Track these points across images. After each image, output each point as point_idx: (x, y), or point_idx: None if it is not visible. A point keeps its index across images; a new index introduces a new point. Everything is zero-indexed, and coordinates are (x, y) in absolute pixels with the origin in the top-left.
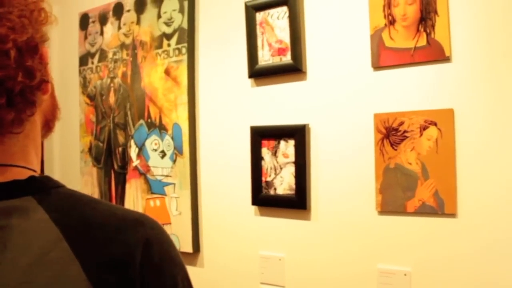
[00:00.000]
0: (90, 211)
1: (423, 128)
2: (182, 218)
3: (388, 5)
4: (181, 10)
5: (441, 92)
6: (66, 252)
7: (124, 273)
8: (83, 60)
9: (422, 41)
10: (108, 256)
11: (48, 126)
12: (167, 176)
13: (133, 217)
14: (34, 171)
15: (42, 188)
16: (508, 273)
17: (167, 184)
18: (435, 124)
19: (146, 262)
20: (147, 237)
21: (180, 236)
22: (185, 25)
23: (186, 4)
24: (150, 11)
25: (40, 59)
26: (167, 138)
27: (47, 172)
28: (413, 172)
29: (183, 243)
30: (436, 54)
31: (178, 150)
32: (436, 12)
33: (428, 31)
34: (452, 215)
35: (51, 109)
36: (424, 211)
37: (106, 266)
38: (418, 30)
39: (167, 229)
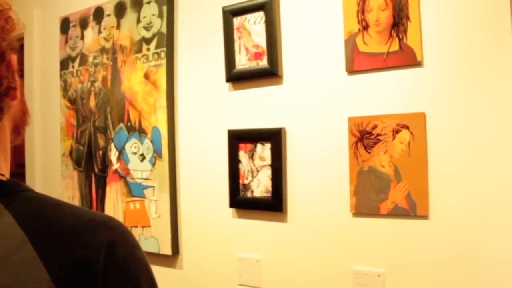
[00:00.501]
0: (56, 214)
1: (396, 132)
2: (161, 221)
3: (362, 10)
4: (160, 15)
5: (413, 96)
6: (30, 254)
7: (87, 274)
8: (64, 64)
9: (395, 46)
10: (72, 257)
11: (17, 131)
12: (146, 179)
13: (99, 219)
14: (2, 175)
15: (9, 192)
16: (478, 273)
17: (147, 187)
18: (407, 128)
19: (110, 262)
20: (112, 238)
21: (159, 238)
22: (164, 29)
23: (165, 9)
24: (130, 16)
25: (7, 66)
26: (147, 141)
27: (28, 176)
28: (386, 175)
29: (163, 246)
30: (408, 59)
31: (157, 153)
32: (408, 18)
33: (400, 36)
34: (424, 217)
35: (20, 115)
36: (397, 213)
37: (70, 267)
38: (390, 35)
39: (147, 231)
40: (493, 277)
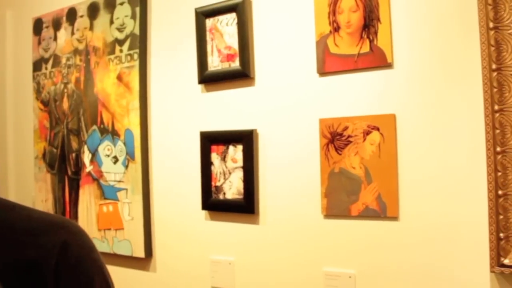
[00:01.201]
0: (7, 215)
1: (366, 133)
2: (134, 223)
3: (333, 12)
4: (133, 16)
5: (384, 97)
6: None
7: (37, 275)
8: (37, 65)
9: (366, 48)
10: (22, 258)
11: None
12: (119, 181)
13: (54, 221)
14: None
15: None
16: (446, 273)
17: (120, 189)
18: (378, 129)
19: (62, 263)
20: (65, 239)
21: (132, 241)
22: (137, 31)
23: (138, 10)
24: (103, 17)
25: None
26: (120, 143)
27: (1, 179)
28: (357, 176)
29: (136, 248)
30: (378, 61)
31: (130, 155)
32: (378, 20)
33: (371, 38)
34: (394, 218)
35: None
36: (367, 214)
37: (20, 268)
38: (361, 37)
39: (120, 234)
40: (462, 276)
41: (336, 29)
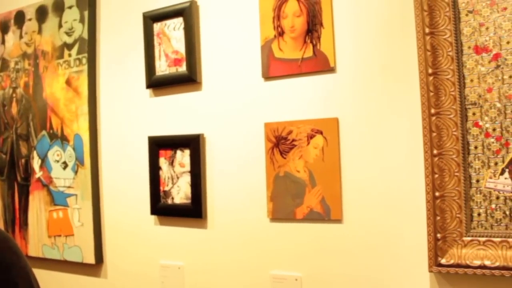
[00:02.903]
0: None
1: (310, 137)
2: (84, 230)
3: (278, 17)
4: (82, 20)
5: (327, 101)
6: None
7: None
8: None
9: (309, 52)
10: None
11: None
12: (69, 187)
13: None
14: None
15: None
16: (388, 273)
17: (70, 195)
18: (321, 133)
19: None
20: None
21: (82, 247)
22: (85, 35)
23: (86, 14)
24: (52, 21)
25: None
26: (69, 149)
27: None
28: (301, 180)
29: (86, 255)
30: (321, 65)
31: (79, 161)
32: (321, 24)
33: (314, 42)
34: (338, 220)
35: None
36: (312, 217)
37: None
38: (305, 42)
39: (70, 241)
40: (403, 276)
41: (281, 33)
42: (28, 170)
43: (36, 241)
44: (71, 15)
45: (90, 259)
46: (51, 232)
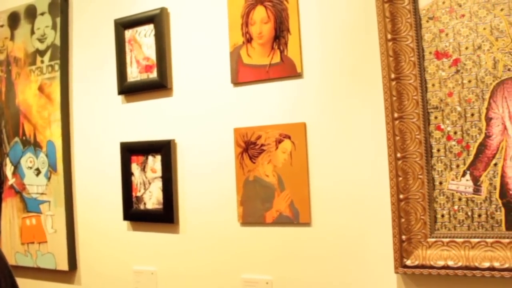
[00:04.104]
0: None
1: (279, 142)
2: (57, 236)
3: (246, 23)
4: (54, 27)
5: (294, 106)
6: None
7: None
8: None
9: (276, 58)
10: None
11: None
12: (42, 194)
13: None
14: None
15: None
16: (356, 276)
17: (43, 202)
18: (289, 138)
19: None
20: None
21: (56, 254)
22: (58, 41)
23: (58, 20)
24: (24, 27)
25: None
26: (42, 155)
27: None
28: (270, 184)
29: (59, 261)
30: (288, 71)
31: (52, 167)
32: (288, 31)
33: (281, 48)
34: (307, 224)
35: None
36: (281, 221)
37: None
38: (272, 48)
39: (43, 248)
40: (370, 278)
41: (249, 40)
42: (1, 177)
43: (9, 248)
44: (43, 22)
45: (64, 265)
46: (24, 239)
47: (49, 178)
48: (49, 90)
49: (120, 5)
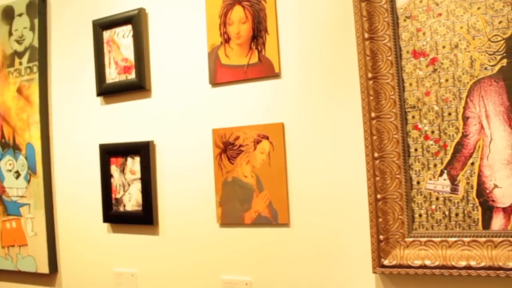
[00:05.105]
0: None
1: (257, 142)
2: (38, 239)
3: (224, 23)
4: (32, 28)
5: (272, 107)
6: None
7: None
8: None
9: (254, 58)
10: None
11: None
12: (22, 196)
13: None
14: None
15: None
16: (335, 276)
17: (22, 204)
18: (267, 138)
19: None
20: None
21: (36, 257)
22: (36, 43)
23: (36, 22)
24: (1, 28)
25: None
26: (21, 158)
27: None
28: (249, 185)
29: (40, 264)
30: (266, 71)
31: (32, 170)
32: (266, 31)
33: (259, 48)
34: (285, 224)
35: None
36: (260, 222)
37: None
38: (250, 48)
39: (23, 251)
40: (349, 278)
41: (227, 40)
42: None
43: None
44: (21, 23)
45: (44, 268)
46: (4, 242)
47: (28, 181)
48: (27, 92)
49: (98, 6)
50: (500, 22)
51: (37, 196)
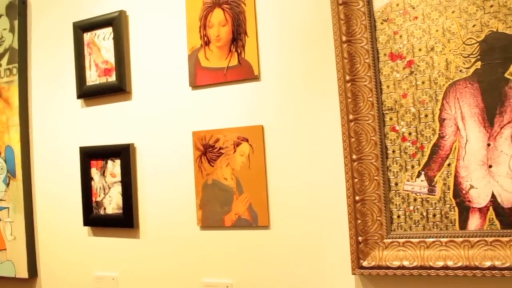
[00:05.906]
0: None
1: (236, 145)
2: (17, 243)
3: (204, 26)
4: (12, 30)
5: (252, 109)
6: None
7: None
8: None
9: (234, 61)
10: None
11: None
12: (1, 200)
13: None
14: None
15: None
16: (315, 278)
17: (1, 208)
18: (247, 140)
19: None
20: None
21: (15, 261)
22: (16, 45)
23: (16, 23)
24: None
25: None
26: (0, 161)
27: None
28: (229, 187)
29: (19, 269)
30: (246, 73)
31: (11, 173)
32: (246, 33)
33: (239, 51)
34: (265, 227)
35: None
36: (240, 224)
37: None
38: (230, 50)
39: (2, 255)
40: (329, 280)
41: (207, 43)
42: None
43: None
44: (1, 24)
45: (23, 273)
46: None
47: (8, 184)
48: (7, 94)
49: (79, 8)
50: (474, 26)
51: (17, 200)
